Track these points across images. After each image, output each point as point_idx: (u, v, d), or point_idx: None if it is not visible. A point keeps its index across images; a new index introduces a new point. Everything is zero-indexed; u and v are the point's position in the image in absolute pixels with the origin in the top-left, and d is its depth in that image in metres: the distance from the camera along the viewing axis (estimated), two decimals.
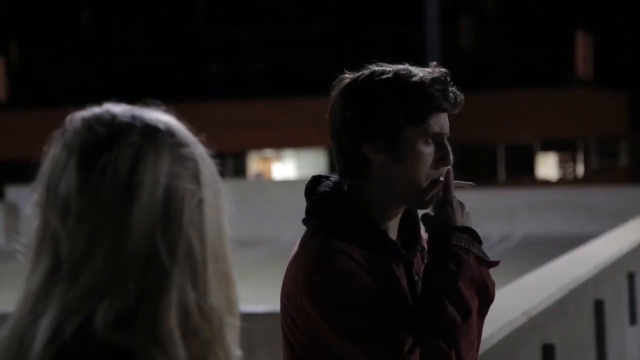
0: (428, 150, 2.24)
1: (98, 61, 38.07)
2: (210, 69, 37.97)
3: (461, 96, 2.27)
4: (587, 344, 6.09)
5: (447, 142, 2.26)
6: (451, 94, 2.25)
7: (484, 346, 3.94)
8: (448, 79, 2.26)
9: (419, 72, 2.25)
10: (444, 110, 2.25)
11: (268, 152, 35.95)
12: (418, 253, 2.36)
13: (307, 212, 2.31)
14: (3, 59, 38.30)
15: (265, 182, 31.89)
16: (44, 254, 1.24)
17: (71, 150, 1.25)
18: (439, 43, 15.80)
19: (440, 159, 2.25)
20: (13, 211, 24.55)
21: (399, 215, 2.32)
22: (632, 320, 7.46)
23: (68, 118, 1.28)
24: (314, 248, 2.21)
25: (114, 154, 1.23)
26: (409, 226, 2.36)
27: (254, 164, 35.90)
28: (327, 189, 2.29)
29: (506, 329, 4.32)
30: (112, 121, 1.26)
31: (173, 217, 1.23)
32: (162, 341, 1.20)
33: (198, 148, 1.29)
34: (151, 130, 1.26)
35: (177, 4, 39.29)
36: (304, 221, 2.30)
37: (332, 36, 36.75)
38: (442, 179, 2.27)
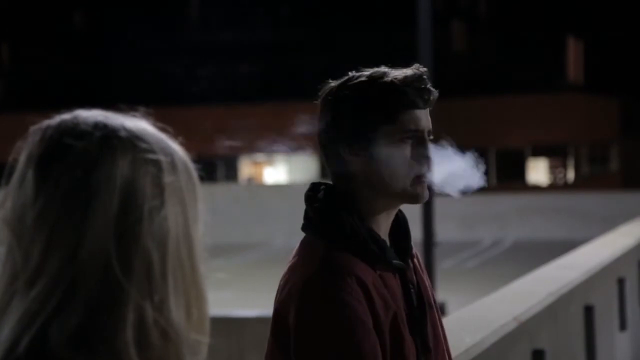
0: (405, 148, 2.24)
1: (90, 63, 38.03)
2: (201, 73, 37.93)
3: (435, 93, 2.28)
4: (577, 349, 6.10)
5: (427, 138, 2.26)
6: (424, 91, 2.26)
7: (474, 351, 3.94)
8: (423, 77, 2.27)
9: (393, 73, 2.27)
10: (415, 106, 2.25)
11: (259, 157, 35.94)
12: (410, 262, 2.35)
13: (307, 218, 2.29)
14: None
15: (256, 186, 31.86)
16: (6, 264, 1.22)
17: (30, 160, 1.23)
18: (431, 47, 15.80)
19: (419, 155, 2.25)
20: None
21: (389, 220, 2.32)
22: (622, 326, 7.48)
23: (31, 128, 1.26)
24: (316, 264, 2.19)
25: (69, 163, 1.20)
26: (400, 234, 2.35)
27: (246, 168, 35.88)
28: (327, 196, 2.29)
29: (496, 334, 4.32)
30: (72, 129, 1.23)
31: (129, 228, 1.19)
32: (116, 358, 1.17)
33: (167, 155, 1.24)
34: (110, 138, 1.22)
35: (169, 7, 39.26)
36: (304, 227, 2.28)
37: (324, 40, 36.77)
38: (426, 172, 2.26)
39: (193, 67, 37.93)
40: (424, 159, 2.24)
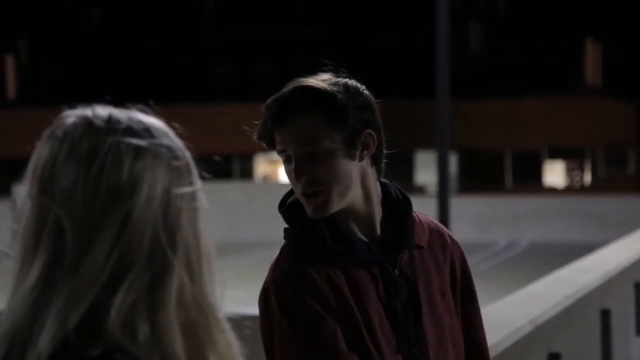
0: (287, 167, 2.31)
1: (107, 61, 38.14)
2: (218, 71, 37.98)
3: (294, 109, 2.29)
4: (593, 353, 6.07)
5: (293, 156, 2.28)
6: (277, 114, 2.30)
7: (490, 353, 3.91)
8: (279, 98, 2.32)
9: (277, 94, 2.34)
10: (278, 127, 2.31)
11: (275, 155, 35.91)
12: (416, 251, 2.34)
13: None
14: (12, 57, 38.36)
15: (272, 184, 31.90)
16: (41, 245, 1.24)
17: (72, 142, 1.26)
18: (448, 48, 15.77)
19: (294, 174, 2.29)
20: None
21: (360, 216, 2.31)
22: (639, 331, 7.44)
23: (63, 114, 1.30)
24: (272, 268, 2.29)
25: (115, 147, 1.25)
26: (395, 223, 2.34)
27: (261, 166, 35.92)
28: (295, 198, 2.33)
29: (513, 336, 4.30)
30: (109, 117, 1.28)
31: (172, 214, 1.25)
32: (160, 335, 1.20)
33: (187, 152, 1.31)
34: (148, 130, 1.28)
35: (186, 5, 39.34)
36: (285, 230, 2.35)
37: (341, 38, 36.77)
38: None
39: (211, 65, 37.98)
40: (296, 177, 2.26)
